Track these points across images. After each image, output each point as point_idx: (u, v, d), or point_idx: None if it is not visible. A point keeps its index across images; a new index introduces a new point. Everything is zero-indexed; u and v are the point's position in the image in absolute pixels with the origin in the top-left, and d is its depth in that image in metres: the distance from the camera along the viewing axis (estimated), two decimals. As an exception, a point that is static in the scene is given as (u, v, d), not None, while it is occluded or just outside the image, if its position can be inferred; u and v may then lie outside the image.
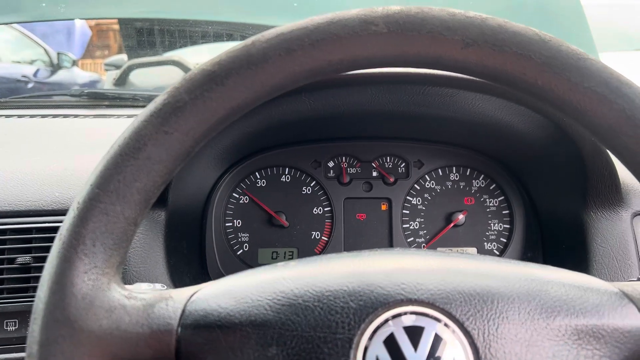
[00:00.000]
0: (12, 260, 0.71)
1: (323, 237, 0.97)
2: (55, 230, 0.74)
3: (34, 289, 0.71)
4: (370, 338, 0.42)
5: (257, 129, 0.88)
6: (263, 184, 0.98)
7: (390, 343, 0.41)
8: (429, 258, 0.48)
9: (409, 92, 0.80)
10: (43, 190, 0.77)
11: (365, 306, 0.43)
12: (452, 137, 0.96)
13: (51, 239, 0.74)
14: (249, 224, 0.97)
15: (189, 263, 0.87)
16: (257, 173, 0.98)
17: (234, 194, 0.97)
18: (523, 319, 0.43)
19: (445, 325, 0.42)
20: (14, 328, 0.69)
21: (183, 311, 0.44)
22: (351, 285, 0.44)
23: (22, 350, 0.69)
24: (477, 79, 0.63)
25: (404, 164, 0.98)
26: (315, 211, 0.97)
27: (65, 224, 0.44)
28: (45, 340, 0.41)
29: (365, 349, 0.41)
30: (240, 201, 0.97)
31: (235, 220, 0.97)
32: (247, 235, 0.97)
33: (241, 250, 0.96)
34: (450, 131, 0.94)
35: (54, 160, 0.85)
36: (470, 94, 0.78)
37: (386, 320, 0.42)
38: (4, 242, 0.72)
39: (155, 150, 0.44)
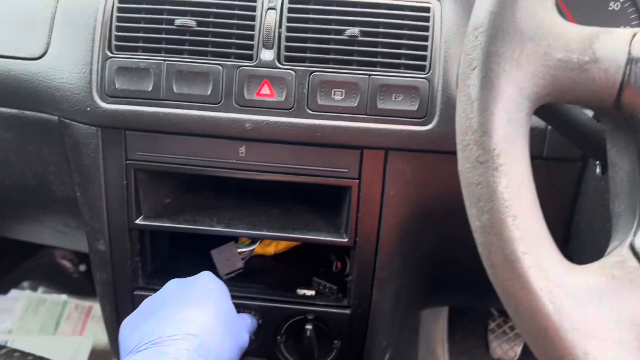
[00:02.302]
0: (340, 32, 0.71)
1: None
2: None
3: (357, 62, 0.72)
4: None
5: None
6: None
7: None
8: None
9: None
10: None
11: None
12: None
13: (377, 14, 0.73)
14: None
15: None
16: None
17: None
18: None
19: None
20: (340, 98, 0.71)
21: (630, 45, 0.39)
22: None
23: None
24: None
25: None
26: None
27: None
28: (494, 52, 0.38)
29: None
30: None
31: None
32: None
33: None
34: None
35: None
36: None
37: None
38: (330, 13, 0.72)
39: None
